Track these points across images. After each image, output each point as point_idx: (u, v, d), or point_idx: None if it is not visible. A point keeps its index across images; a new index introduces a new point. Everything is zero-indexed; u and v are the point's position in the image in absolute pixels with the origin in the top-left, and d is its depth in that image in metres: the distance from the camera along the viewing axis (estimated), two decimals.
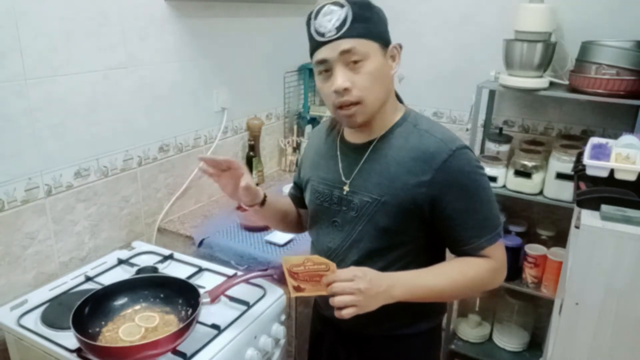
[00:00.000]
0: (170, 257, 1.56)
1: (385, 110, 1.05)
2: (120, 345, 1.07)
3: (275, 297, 1.35)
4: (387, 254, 1.06)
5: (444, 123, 2.28)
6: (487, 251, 1.02)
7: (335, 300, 0.92)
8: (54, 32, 1.36)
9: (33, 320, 1.24)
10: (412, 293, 0.99)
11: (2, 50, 1.26)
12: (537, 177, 1.91)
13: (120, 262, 1.52)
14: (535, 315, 2.24)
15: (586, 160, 1.27)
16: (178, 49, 1.77)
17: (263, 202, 1.17)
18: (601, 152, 1.31)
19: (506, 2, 2.03)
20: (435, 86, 2.32)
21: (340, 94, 0.98)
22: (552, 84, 1.91)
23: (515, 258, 2.01)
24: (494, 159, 2.00)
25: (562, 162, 1.83)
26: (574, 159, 1.67)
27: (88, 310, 1.12)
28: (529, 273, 1.99)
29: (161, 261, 1.53)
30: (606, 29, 1.89)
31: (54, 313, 1.26)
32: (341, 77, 0.97)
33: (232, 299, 1.31)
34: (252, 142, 2.15)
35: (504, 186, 1.98)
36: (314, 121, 2.43)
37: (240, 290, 1.32)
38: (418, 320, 1.14)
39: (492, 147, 2.05)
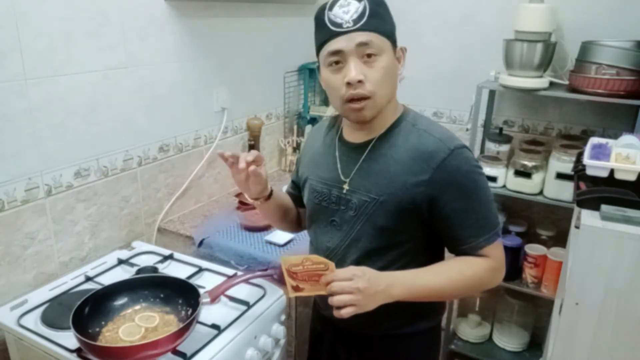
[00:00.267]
0: (170, 257, 1.56)
1: (386, 109, 1.05)
2: (120, 345, 1.07)
3: (275, 297, 1.35)
4: (385, 253, 1.06)
5: (444, 123, 2.28)
6: (486, 250, 1.02)
7: (334, 300, 0.92)
8: (54, 32, 1.37)
9: (33, 320, 1.24)
10: (411, 292, 0.99)
11: (2, 50, 1.26)
12: (537, 177, 1.91)
13: (120, 262, 1.52)
14: (535, 315, 2.24)
15: (586, 160, 1.27)
16: (178, 49, 1.77)
17: (269, 196, 1.17)
18: (601, 152, 1.31)
19: (506, 2, 2.03)
20: (435, 86, 2.32)
21: (352, 86, 0.97)
22: (552, 84, 1.91)
23: (515, 258, 2.01)
24: (494, 159, 2.00)
25: (562, 162, 1.83)
26: (574, 159, 1.67)
27: (88, 310, 1.12)
28: (529, 273, 1.99)
29: (161, 261, 1.53)
30: (606, 29, 1.89)
31: (54, 313, 1.26)
32: (355, 69, 0.96)
33: (232, 299, 1.31)
34: (252, 142, 2.15)
35: (504, 186, 1.98)
36: (314, 121, 2.43)
37: (240, 290, 1.32)
38: (417, 319, 1.14)
39: (492, 147, 2.05)
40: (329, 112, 2.36)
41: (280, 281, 1.03)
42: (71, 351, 1.11)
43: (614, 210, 1.16)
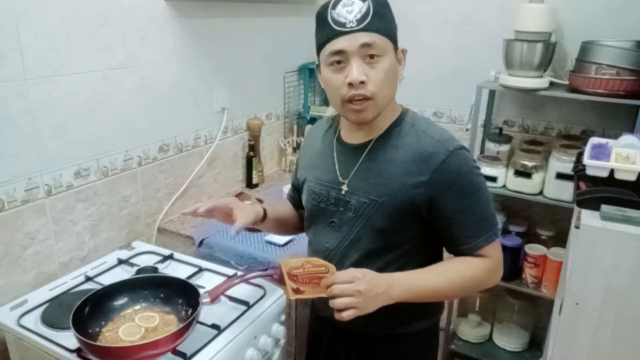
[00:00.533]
0: (170, 257, 1.56)
1: (385, 110, 1.05)
2: (120, 345, 1.07)
3: (275, 297, 1.35)
4: (385, 254, 1.06)
5: (444, 123, 2.29)
6: (484, 251, 1.03)
7: (336, 302, 0.91)
8: (54, 32, 1.37)
9: (33, 320, 1.24)
10: (410, 293, 0.99)
11: (2, 50, 1.26)
12: (537, 177, 1.91)
13: (120, 262, 1.52)
14: (535, 315, 2.24)
15: (586, 160, 1.27)
16: (178, 49, 1.77)
17: (264, 218, 1.19)
18: (601, 152, 1.31)
19: (506, 2, 2.03)
20: (435, 86, 2.32)
21: (354, 86, 0.97)
22: (552, 84, 1.91)
23: (515, 258, 2.01)
24: (494, 159, 2.00)
25: (562, 162, 1.83)
26: (574, 159, 1.67)
27: (88, 310, 1.12)
28: (529, 273, 1.99)
29: (161, 261, 1.53)
30: (606, 29, 1.89)
31: (54, 313, 1.26)
32: (358, 70, 0.96)
33: (232, 299, 1.31)
34: (252, 142, 2.15)
35: (504, 186, 1.97)
36: (314, 121, 2.42)
37: (240, 290, 1.32)
38: (416, 319, 1.14)
39: (492, 147, 2.05)
40: (329, 112, 2.36)
41: (280, 281, 1.03)
42: (71, 351, 1.11)
43: (614, 210, 1.16)
